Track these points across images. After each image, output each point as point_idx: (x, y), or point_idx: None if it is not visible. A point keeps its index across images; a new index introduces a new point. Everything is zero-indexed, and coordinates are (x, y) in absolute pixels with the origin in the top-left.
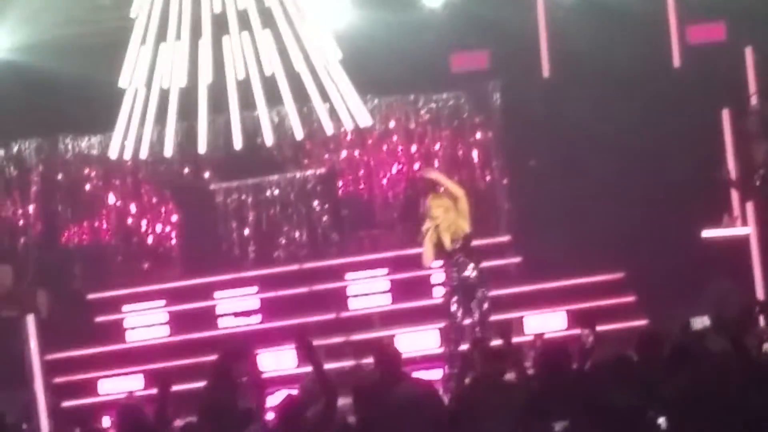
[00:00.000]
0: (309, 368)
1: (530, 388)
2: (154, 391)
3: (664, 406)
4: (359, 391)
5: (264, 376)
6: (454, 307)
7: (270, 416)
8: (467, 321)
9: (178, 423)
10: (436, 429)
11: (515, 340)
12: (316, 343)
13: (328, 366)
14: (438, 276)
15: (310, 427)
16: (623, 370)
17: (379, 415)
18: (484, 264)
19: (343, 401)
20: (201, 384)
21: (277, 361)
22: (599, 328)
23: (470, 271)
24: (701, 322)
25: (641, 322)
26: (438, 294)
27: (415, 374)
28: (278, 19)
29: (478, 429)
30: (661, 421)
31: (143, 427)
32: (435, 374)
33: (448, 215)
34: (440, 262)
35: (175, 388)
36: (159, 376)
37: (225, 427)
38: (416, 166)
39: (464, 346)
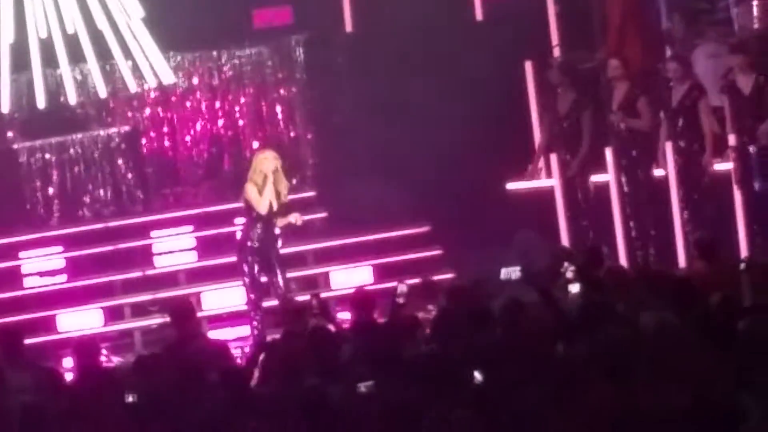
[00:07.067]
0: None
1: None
2: None
3: (479, 359)
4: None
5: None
6: (246, 267)
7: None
8: (265, 279)
9: None
10: (225, 387)
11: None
12: (123, 301)
13: (135, 324)
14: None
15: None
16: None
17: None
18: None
19: None
20: None
21: (83, 320)
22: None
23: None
24: (511, 272)
25: (448, 276)
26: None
27: (220, 332)
28: None
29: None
30: (477, 374)
31: None
32: (241, 331)
33: (277, 174)
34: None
35: None
36: None
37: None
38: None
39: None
